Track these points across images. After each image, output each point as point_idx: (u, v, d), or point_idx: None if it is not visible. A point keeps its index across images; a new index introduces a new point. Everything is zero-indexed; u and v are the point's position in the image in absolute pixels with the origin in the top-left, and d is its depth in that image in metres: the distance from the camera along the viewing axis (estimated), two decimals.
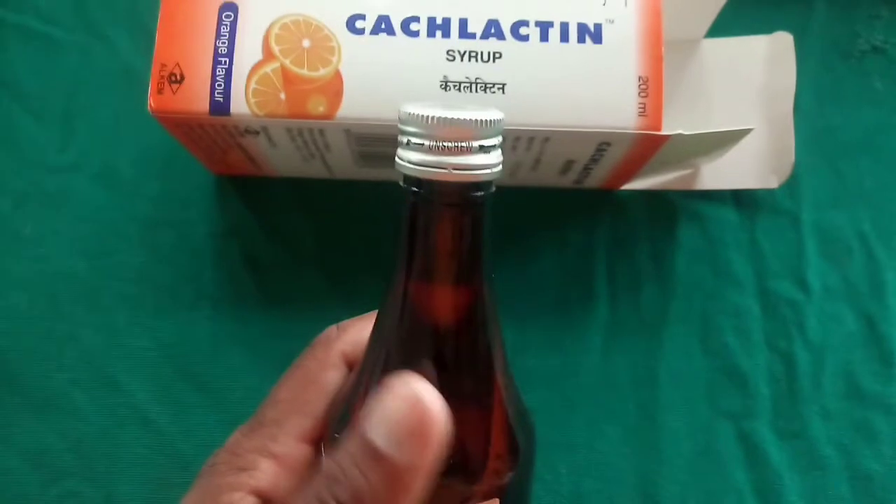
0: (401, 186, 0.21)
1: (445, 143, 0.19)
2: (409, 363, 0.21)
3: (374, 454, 0.18)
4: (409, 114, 0.20)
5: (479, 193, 0.20)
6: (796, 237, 0.39)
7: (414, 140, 0.20)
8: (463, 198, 0.20)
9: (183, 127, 0.30)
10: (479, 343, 0.22)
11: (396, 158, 0.20)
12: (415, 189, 0.20)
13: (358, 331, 0.24)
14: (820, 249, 0.39)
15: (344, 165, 0.35)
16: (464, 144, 0.20)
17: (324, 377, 0.23)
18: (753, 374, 0.37)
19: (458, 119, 0.19)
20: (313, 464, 0.23)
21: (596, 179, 0.36)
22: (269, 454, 0.23)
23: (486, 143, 0.20)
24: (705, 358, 0.37)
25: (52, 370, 0.36)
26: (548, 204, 0.38)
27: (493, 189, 0.21)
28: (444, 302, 0.22)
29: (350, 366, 0.24)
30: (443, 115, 0.19)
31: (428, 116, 0.19)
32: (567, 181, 0.37)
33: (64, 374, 0.36)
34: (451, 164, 0.20)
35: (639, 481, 0.36)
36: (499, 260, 0.23)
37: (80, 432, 0.35)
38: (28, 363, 0.36)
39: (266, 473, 0.22)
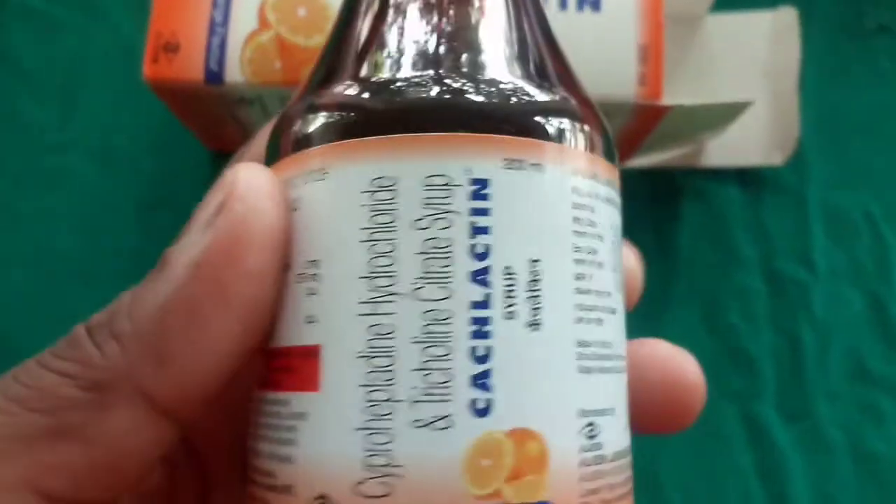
0: None
1: None
2: None
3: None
4: None
5: None
6: (802, 217, 0.38)
7: None
8: None
9: (178, 97, 0.30)
10: None
11: None
12: None
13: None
14: (826, 229, 0.38)
15: None
16: None
17: None
18: (758, 355, 0.37)
19: None
20: None
21: None
22: None
23: None
24: (710, 338, 0.37)
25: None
26: None
27: None
28: None
29: None
30: None
31: None
32: None
33: None
34: None
35: (640, 461, 0.35)
36: None
37: None
38: (26, 342, 0.35)
39: None
